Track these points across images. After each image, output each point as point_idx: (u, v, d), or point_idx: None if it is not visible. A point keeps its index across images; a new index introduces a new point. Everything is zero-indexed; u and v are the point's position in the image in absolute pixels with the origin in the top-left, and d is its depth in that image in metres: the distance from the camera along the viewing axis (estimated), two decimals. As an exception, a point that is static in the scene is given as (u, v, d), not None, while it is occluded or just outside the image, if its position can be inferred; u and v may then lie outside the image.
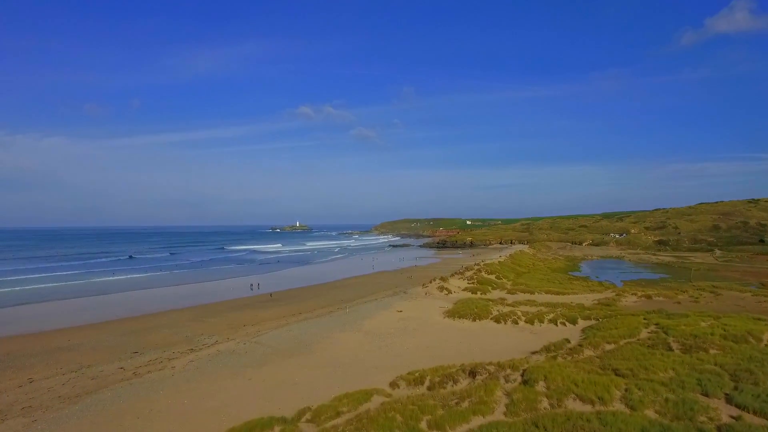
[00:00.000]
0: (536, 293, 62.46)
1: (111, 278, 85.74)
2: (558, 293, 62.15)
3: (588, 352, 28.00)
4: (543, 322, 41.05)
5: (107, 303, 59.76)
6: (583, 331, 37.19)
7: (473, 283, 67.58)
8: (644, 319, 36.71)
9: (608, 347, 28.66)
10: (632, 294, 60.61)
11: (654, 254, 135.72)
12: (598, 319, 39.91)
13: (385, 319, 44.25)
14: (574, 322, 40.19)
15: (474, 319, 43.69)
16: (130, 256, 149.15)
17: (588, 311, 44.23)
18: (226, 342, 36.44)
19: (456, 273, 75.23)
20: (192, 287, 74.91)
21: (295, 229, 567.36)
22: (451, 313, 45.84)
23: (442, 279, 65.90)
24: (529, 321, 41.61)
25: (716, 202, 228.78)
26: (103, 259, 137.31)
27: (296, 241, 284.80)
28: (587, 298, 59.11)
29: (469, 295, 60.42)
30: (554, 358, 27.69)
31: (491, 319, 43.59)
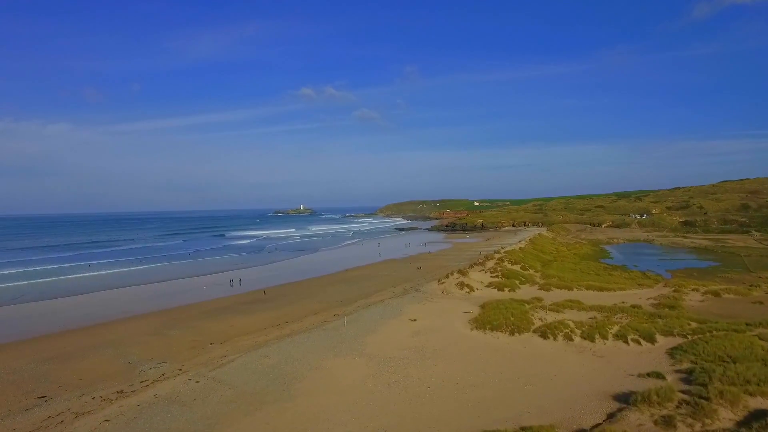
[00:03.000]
0: (575, 289, 51.96)
1: (82, 275, 75.92)
2: (601, 289, 51.60)
3: (724, 414, 17.49)
4: (607, 339, 30.54)
5: (59, 309, 49.81)
6: (671, 355, 26.70)
7: (497, 276, 57.08)
8: (760, 338, 26.29)
9: (751, 402, 18.17)
10: (692, 290, 49.99)
11: (684, 236, 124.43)
12: (685, 336, 29.33)
13: (395, 334, 33.95)
14: (650, 338, 29.61)
15: (512, 332, 33.31)
16: (110, 248, 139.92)
17: (661, 320, 33.64)
18: (174, 377, 26.25)
19: (475, 264, 64.73)
20: (172, 285, 64.96)
21: (300, 212, 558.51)
22: (480, 323, 35.47)
23: (461, 272, 55.42)
24: (587, 336, 31.12)
25: (741, 180, 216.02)
26: (90, 250, 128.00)
27: (299, 225, 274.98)
28: (639, 296, 48.57)
29: (495, 293, 50.00)
30: (669, 424, 17.21)
31: (535, 332, 33.20)
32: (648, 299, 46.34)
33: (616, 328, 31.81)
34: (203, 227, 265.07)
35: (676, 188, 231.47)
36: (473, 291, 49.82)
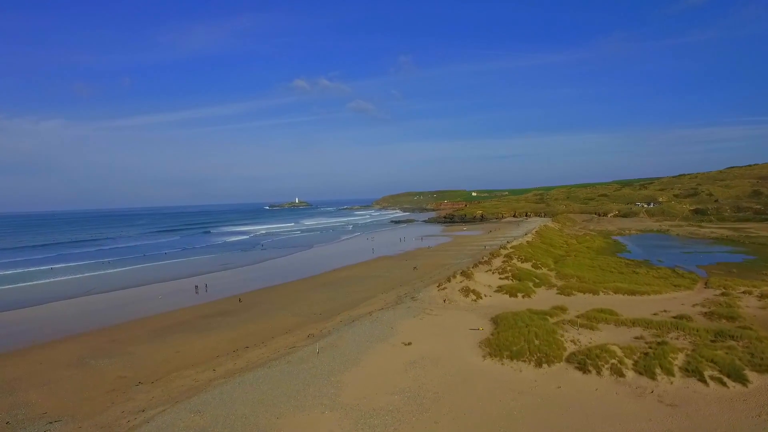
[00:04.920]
0: (601, 293, 43.68)
1: (36, 282, 67.42)
2: (632, 293, 43.30)
3: None
4: (673, 374, 22.18)
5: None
6: (778, 405, 18.43)
7: (507, 277, 48.74)
8: None
9: None
10: (743, 292, 41.84)
11: (699, 226, 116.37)
12: (786, 372, 21.02)
13: (383, 366, 25.57)
14: (739, 377, 21.22)
15: (539, 363, 24.98)
16: (87, 248, 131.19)
17: (736, 342, 25.32)
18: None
19: (480, 262, 56.34)
20: (130, 293, 56.26)
21: (295, 205, 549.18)
22: (495, 347, 27.17)
23: (465, 275, 47.05)
24: (645, 370, 22.76)
25: (750, 165, 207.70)
26: (66, 251, 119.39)
27: (292, 219, 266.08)
28: (681, 301, 40.31)
29: (506, 300, 41.71)
30: None
31: (569, 361, 24.90)
32: (693, 305, 38.11)
33: (680, 357, 23.49)
34: (195, 223, 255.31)
35: (681, 175, 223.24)
36: (480, 298, 41.46)
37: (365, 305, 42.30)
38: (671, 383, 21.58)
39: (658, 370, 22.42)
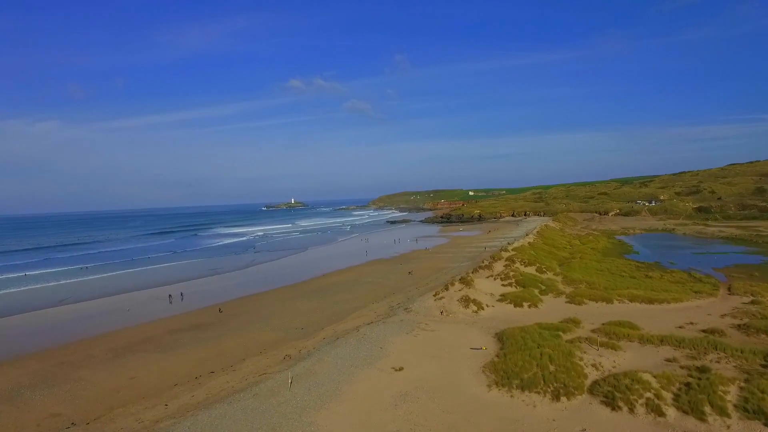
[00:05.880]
0: (615, 301, 39.41)
1: (5, 291, 62.61)
2: (650, 301, 39.02)
3: None
4: (728, 415, 17.82)
5: None
6: None
7: (511, 284, 44.40)
8: None
9: None
10: (775, 298, 37.65)
11: (705, 224, 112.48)
12: None
13: (368, 402, 21.14)
14: (809, 416, 16.89)
15: (556, 396, 20.61)
16: (71, 252, 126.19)
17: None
18: None
19: (480, 267, 51.96)
20: (98, 304, 51.53)
21: (291, 206, 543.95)
22: (502, 374, 22.83)
23: (464, 282, 42.66)
24: (691, 407, 18.40)
25: (752, 162, 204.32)
26: (48, 255, 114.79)
27: (287, 219, 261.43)
28: (706, 310, 36.06)
29: (511, 310, 37.39)
30: None
31: (593, 392, 20.57)
32: (722, 316, 33.88)
33: (733, 390, 19.16)
34: (189, 225, 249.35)
35: (682, 172, 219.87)
36: (482, 309, 37.07)
37: (353, 318, 37.86)
38: (728, 427, 17.23)
39: (707, 409, 18.08)
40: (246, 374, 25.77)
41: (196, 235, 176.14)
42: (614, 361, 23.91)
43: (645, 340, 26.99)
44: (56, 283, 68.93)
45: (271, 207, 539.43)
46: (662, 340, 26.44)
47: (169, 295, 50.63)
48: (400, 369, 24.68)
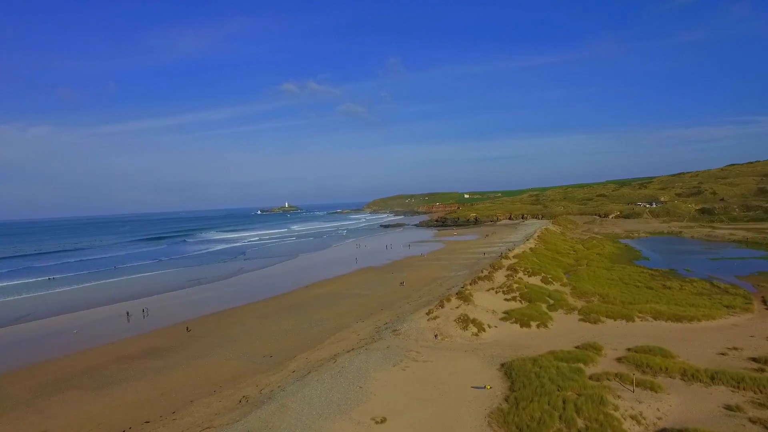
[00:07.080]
0: (636, 318, 34.09)
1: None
2: (678, 318, 33.71)
3: None
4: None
5: None
6: None
7: (515, 297, 39.01)
8: None
9: None
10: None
11: (712, 227, 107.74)
12: None
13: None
14: None
15: (589, 468, 15.14)
16: (48, 261, 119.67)
17: None
18: None
19: (480, 277, 46.59)
20: (54, 322, 45.86)
21: (285, 210, 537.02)
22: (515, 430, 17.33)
23: (462, 296, 37.23)
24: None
25: (752, 163, 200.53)
26: (23, 264, 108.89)
27: (279, 224, 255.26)
28: (746, 330, 30.81)
29: (517, 331, 32.01)
30: None
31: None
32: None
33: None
34: (180, 230, 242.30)
35: (682, 173, 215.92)
36: (483, 330, 31.66)
37: (332, 341, 32.32)
38: None
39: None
40: (186, 427, 20.15)
41: (185, 241, 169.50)
42: (658, 410, 18.56)
43: (690, 376, 21.64)
44: (20, 296, 63.10)
45: (266, 211, 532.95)
46: (713, 378, 21.08)
47: (127, 313, 44.81)
48: (383, 421, 19.18)
